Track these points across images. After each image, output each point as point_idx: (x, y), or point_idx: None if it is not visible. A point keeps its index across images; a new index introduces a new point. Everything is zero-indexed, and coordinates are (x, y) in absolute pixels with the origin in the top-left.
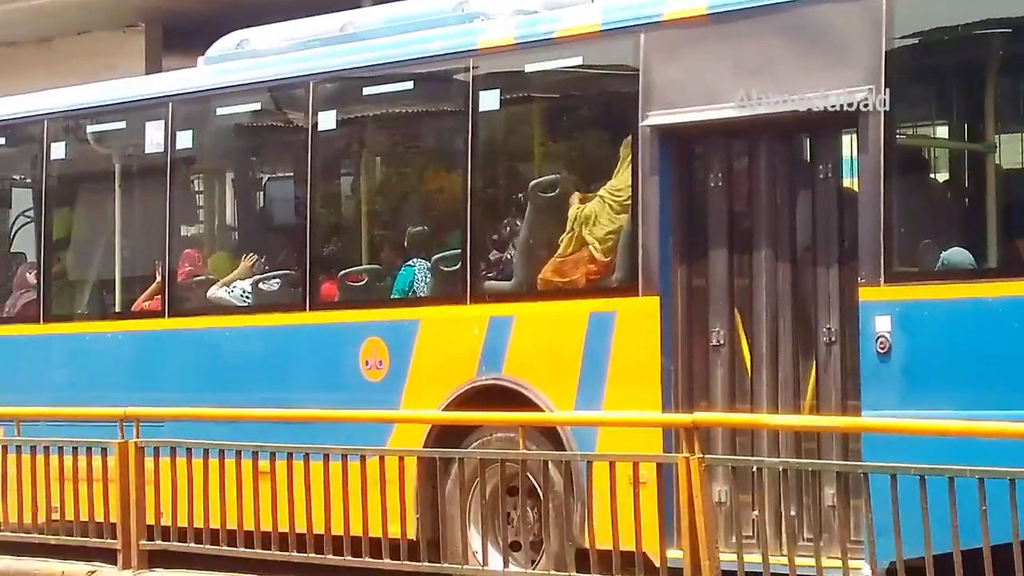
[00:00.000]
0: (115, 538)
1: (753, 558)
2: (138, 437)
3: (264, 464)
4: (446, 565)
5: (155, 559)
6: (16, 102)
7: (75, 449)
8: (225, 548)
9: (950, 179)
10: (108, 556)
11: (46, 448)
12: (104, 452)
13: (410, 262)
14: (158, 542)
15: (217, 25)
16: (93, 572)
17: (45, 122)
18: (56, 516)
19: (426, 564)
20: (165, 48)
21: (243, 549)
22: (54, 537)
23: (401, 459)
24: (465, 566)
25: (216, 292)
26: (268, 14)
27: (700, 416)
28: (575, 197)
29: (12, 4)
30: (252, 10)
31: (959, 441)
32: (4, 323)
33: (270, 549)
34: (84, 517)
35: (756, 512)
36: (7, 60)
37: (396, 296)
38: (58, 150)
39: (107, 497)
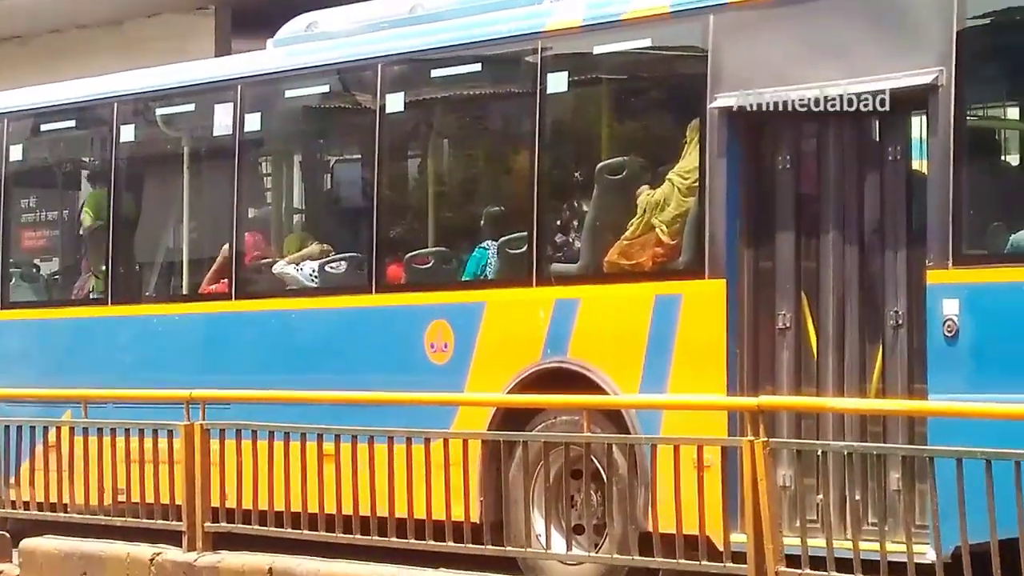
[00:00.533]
0: (180, 520)
1: (817, 542)
2: (204, 419)
3: (329, 447)
4: (509, 548)
5: (220, 541)
6: (87, 85)
7: (141, 431)
8: (289, 531)
9: (1021, 162)
10: (173, 538)
11: (112, 430)
12: (170, 434)
13: (484, 244)
14: (223, 524)
15: (286, 7)
16: (158, 554)
17: (115, 104)
18: (122, 498)
19: (489, 547)
20: (234, 31)
21: (307, 532)
22: (120, 519)
23: (465, 442)
24: (528, 549)
25: (284, 268)
26: None
27: (765, 400)
28: (645, 185)
29: None
30: None
31: None
32: (73, 305)
33: (334, 531)
34: (149, 499)
35: (820, 496)
36: (78, 43)
37: (468, 278)
38: (127, 132)
39: (172, 479)
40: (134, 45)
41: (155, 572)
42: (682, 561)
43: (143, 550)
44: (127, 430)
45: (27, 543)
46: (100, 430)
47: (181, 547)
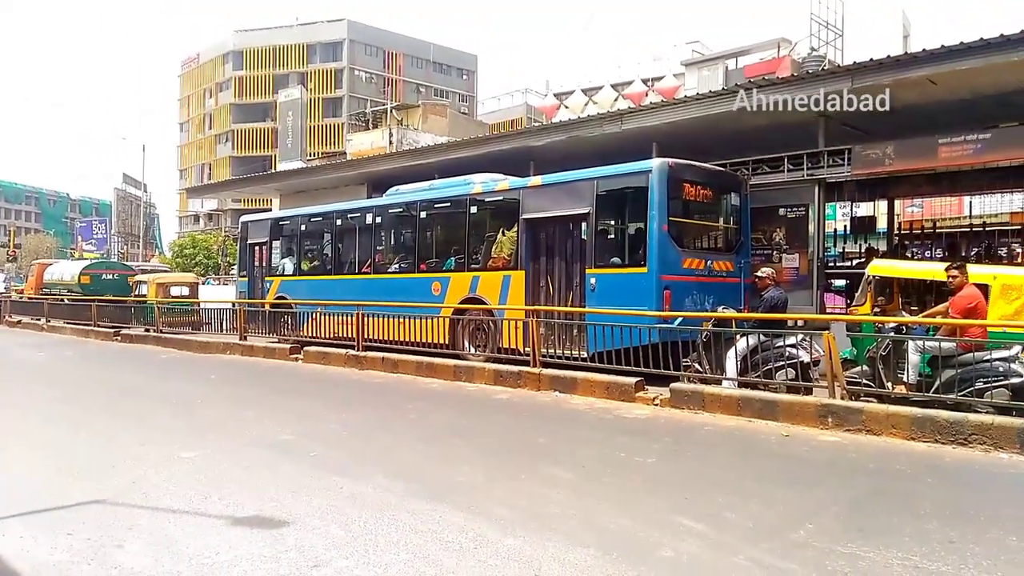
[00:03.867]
0: (354, 340)
1: (553, 351)
2: (362, 310)
3: (401, 321)
4: (458, 352)
5: (367, 349)
6: (327, 207)
7: (343, 313)
8: (387, 345)
9: (612, 238)
10: (350, 346)
11: (332, 313)
12: (350, 315)
13: (450, 258)
14: (368, 343)
15: (388, 184)
16: (347, 351)
17: (334, 214)
18: (338, 333)
19: (449, 351)
20: (373, 190)
21: (392, 345)
22: (335, 340)
23: (444, 319)
24: (463, 352)
25: (390, 266)
26: (407, 179)
27: (537, 308)
28: (502, 239)
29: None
30: (420, 176)
31: (631, 318)
32: (320, 275)
33: (402, 345)
34: (344, 334)
35: (552, 337)
36: (322, 194)
37: (446, 269)
38: (339, 222)
39: (350, 327)
40: (342, 195)
41: (345, 358)
42: (509, 356)
43: (341, 350)
44: (338, 313)
45: (309, 349)
46: (332, 313)
47: (354, 349)
